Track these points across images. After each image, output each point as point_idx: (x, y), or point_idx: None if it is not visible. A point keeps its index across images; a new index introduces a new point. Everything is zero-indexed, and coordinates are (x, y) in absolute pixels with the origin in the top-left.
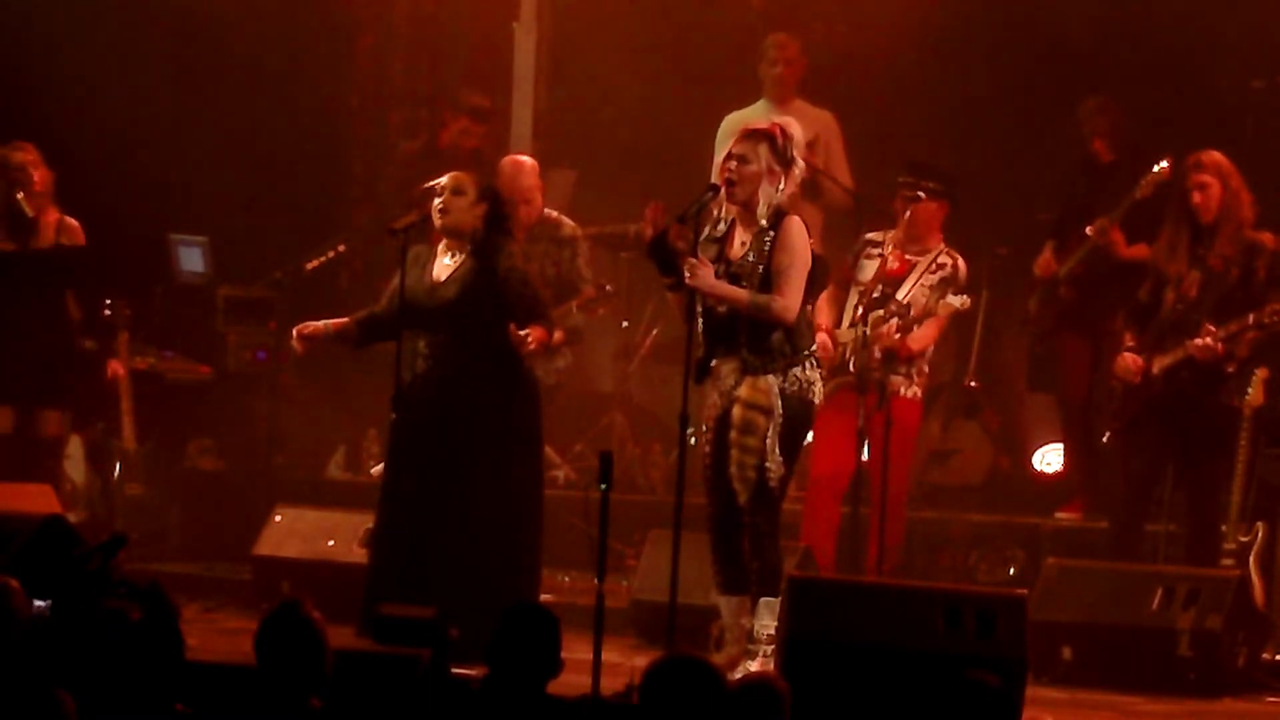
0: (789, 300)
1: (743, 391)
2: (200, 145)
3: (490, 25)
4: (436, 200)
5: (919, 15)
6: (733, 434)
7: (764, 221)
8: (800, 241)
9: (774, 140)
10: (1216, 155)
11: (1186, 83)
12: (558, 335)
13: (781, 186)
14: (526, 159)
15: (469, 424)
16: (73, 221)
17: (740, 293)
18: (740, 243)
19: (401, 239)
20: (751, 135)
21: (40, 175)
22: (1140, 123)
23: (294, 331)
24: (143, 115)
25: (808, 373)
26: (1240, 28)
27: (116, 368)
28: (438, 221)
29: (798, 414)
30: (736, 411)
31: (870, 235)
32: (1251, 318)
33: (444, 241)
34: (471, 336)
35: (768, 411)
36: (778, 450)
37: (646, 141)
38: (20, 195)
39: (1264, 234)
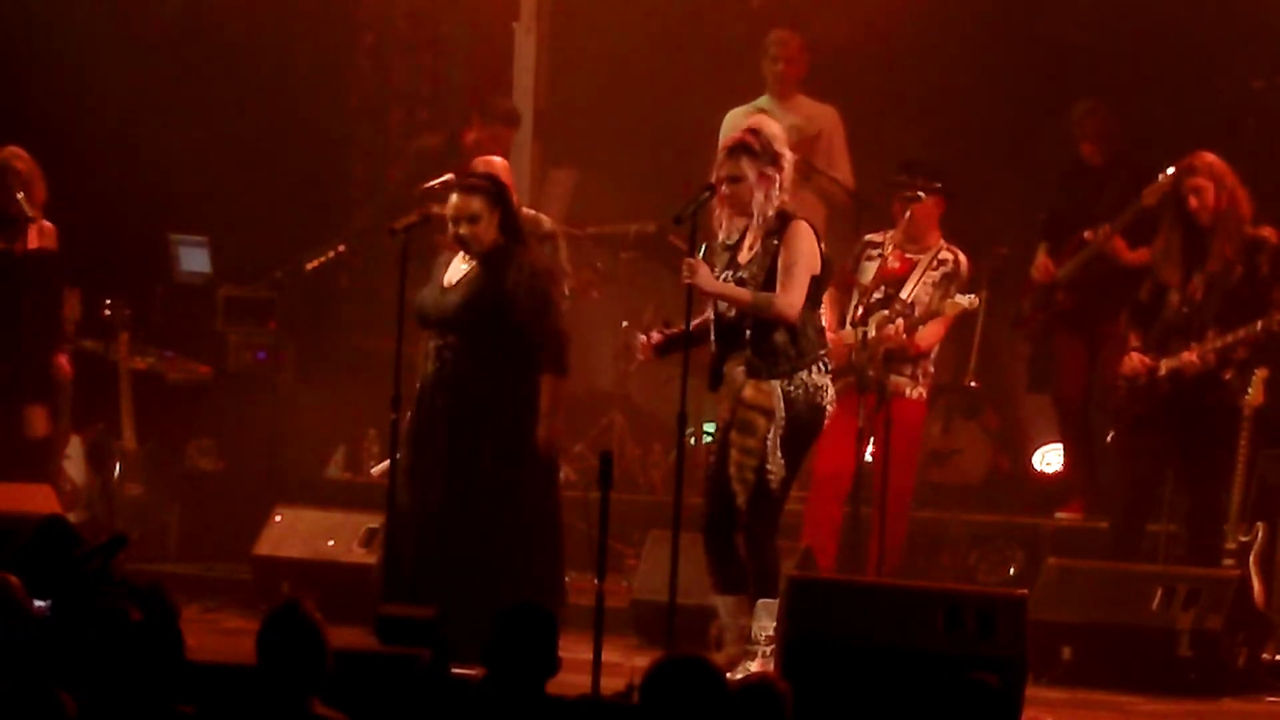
0: (791, 298)
1: (746, 393)
2: (200, 145)
3: (490, 25)
4: (456, 231)
5: (919, 14)
6: (733, 434)
7: (770, 226)
8: (806, 244)
9: (750, 148)
10: (1209, 157)
11: (1186, 83)
12: None
13: (778, 188)
14: (498, 159)
15: (475, 427)
16: (49, 225)
17: (740, 291)
18: (749, 248)
19: (401, 239)
20: (731, 153)
21: (37, 178)
22: (1140, 123)
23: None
24: (143, 115)
25: (814, 376)
26: (1240, 28)
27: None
28: (469, 252)
29: (803, 418)
30: (738, 413)
31: (870, 237)
32: (1260, 325)
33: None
34: (477, 341)
35: (769, 413)
36: (779, 452)
37: (647, 141)
38: (21, 196)
39: (1265, 228)
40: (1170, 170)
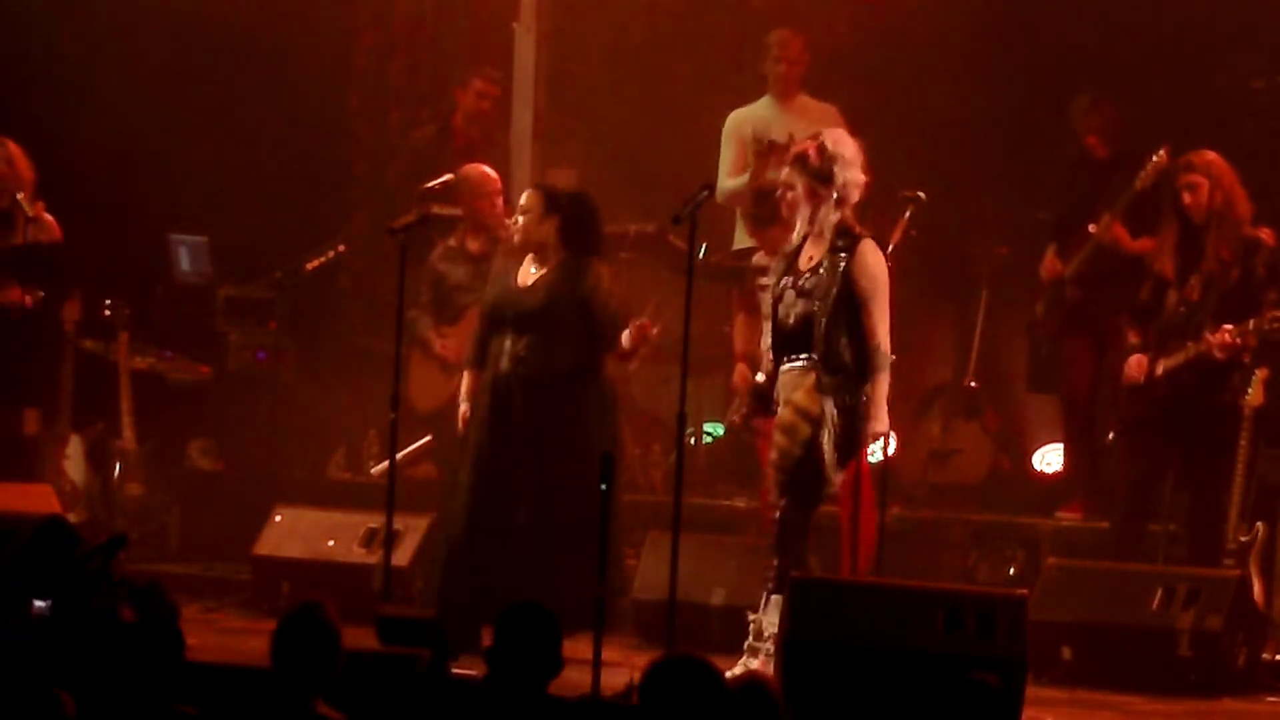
0: (880, 337)
1: (797, 396)
2: (200, 145)
3: (490, 25)
4: (511, 220)
5: (918, 14)
6: (777, 434)
7: (836, 242)
8: (877, 268)
9: (805, 160)
10: (1210, 155)
11: (1186, 83)
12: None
13: (831, 205)
14: (488, 169)
15: (548, 426)
16: (49, 218)
17: (879, 388)
18: (809, 257)
19: (401, 239)
20: (792, 161)
21: (23, 171)
22: (1140, 123)
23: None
24: (142, 115)
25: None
26: (1240, 28)
27: None
28: (516, 239)
29: (856, 427)
30: (785, 414)
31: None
32: (1252, 324)
33: (530, 253)
34: (556, 343)
35: (815, 420)
36: (833, 455)
37: (647, 141)
38: (21, 196)
39: (1263, 230)
40: (1162, 153)
